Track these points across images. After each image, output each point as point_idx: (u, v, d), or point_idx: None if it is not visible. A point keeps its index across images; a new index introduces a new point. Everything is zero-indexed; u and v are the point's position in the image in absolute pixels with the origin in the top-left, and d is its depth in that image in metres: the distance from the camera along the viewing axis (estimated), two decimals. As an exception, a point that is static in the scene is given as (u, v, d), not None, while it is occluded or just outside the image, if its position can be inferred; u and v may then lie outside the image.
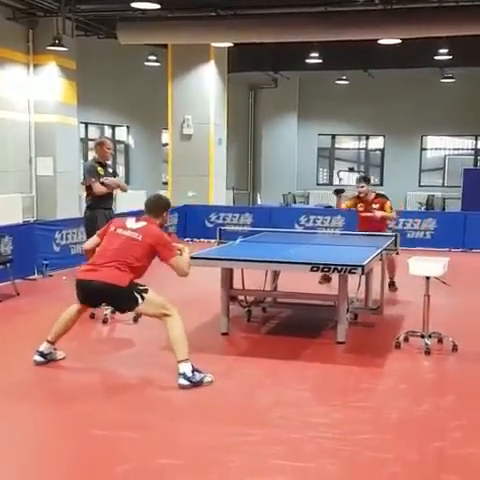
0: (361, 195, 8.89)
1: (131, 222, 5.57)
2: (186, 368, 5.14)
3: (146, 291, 5.36)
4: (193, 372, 5.15)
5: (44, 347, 5.63)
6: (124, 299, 5.36)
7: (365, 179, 9.11)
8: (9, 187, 14.05)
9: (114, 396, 5.08)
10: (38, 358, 5.62)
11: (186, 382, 5.10)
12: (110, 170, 8.21)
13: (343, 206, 9.22)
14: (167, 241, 5.54)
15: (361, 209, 8.89)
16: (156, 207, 5.73)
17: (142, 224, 5.54)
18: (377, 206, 8.80)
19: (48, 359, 5.64)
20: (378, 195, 9.00)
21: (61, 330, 5.63)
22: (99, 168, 7.92)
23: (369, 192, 8.88)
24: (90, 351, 6.21)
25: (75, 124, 15.33)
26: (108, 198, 8.09)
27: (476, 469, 3.92)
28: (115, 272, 5.29)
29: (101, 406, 4.84)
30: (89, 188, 7.94)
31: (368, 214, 8.77)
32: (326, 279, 8.82)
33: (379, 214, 8.72)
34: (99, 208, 7.90)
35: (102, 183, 7.87)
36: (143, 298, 5.32)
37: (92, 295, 5.48)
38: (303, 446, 4.17)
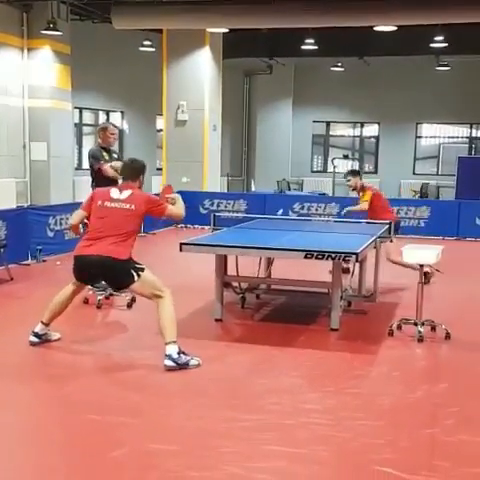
0: (350, 189, 8.88)
1: (116, 192, 5.59)
2: (172, 350, 5.19)
3: (142, 270, 5.41)
4: (179, 354, 5.20)
5: (39, 328, 5.69)
6: (122, 273, 5.37)
7: (352, 172, 8.93)
8: (3, 172, 14.00)
9: (108, 381, 5.09)
10: (33, 339, 5.67)
11: (172, 363, 5.15)
12: (115, 155, 8.12)
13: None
14: (156, 200, 5.73)
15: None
16: (132, 171, 5.78)
17: (128, 192, 5.57)
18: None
19: (43, 339, 5.69)
20: (362, 186, 8.74)
21: (55, 311, 5.67)
22: (104, 153, 7.87)
23: (358, 185, 8.70)
24: (84, 336, 6.21)
25: (69, 109, 15.26)
26: (115, 183, 8.00)
27: (467, 456, 3.95)
28: (114, 246, 5.33)
29: (95, 391, 4.85)
30: (96, 173, 7.86)
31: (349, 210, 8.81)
32: (345, 271, 8.69)
33: (345, 210, 8.81)
34: None
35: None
36: (139, 276, 5.35)
37: (91, 270, 5.48)
38: (296, 432, 4.20)
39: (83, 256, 5.45)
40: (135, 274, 5.35)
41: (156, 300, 5.37)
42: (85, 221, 5.85)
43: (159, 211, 5.69)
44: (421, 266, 6.24)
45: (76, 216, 5.90)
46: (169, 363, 5.16)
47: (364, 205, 8.57)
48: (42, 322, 5.68)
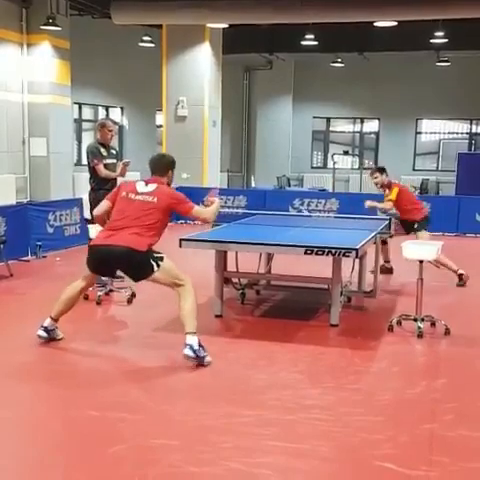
0: (377, 186, 8.69)
1: (141, 185, 5.54)
2: (193, 340, 5.14)
3: (162, 259, 5.34)
4: (200, 346, 5.16)
5: (48, 323, 5.62)
6: (141, 265, 5.28)
7: (378, 170, 8.76)
8: (2, 168, 13.99)
9: (109, 377, 5.09)
10: (42, 333, 5.60)
11: (192, 353, 5.10)
12: (113, 152, 8.12)
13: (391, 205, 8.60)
14: (182, 197, 5.60)
15: None
16: (160, 165, 5.73)
17: (153, 186, 5.51)
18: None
19: (51, 336, 5.63)
20: (389, 183, 8.61)
21: (65, 307, 5.61)
22: (102, 149, 7.87)
23: (385, 182, 8.58)
24: (84, 332, 6.22)
25: (69, 105, 15.24)
26: (112, 180, 8.02)
27: (466, 451, 3.96)
28: (133, 237, 5.24)
29: (96, 387, 4.85)
30: (93, 170, 7.87)
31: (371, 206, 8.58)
32: (387, 271, 8.68)
33: (368, 203, 8.57)
34: (103, 190, 7.80)
35: (105, 165, 7.83)
36: (158, 266, 5.29)
37: (109, 261, 5.37)
38: (296, 428, 4.21)
39: (101, 246, 5.34)
40: (155, 264, 5.27)
41: (177, 289, 5.31)
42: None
43: (184, 209, 5.54)
44: (421, 262, 6.24)
45: (100, 207, 5.81)
46: (189, 353, 5.10)
47: (388, 204, 8.41)
48: (51, 317, 5.61)
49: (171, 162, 5.84)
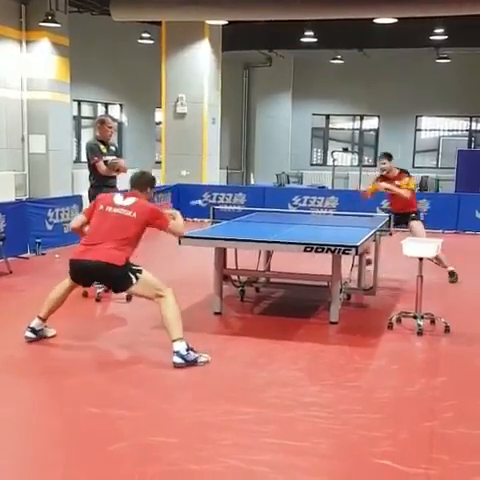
0: (384, 173, 8.54)
1: (119, 198, 5.56)
2: (180, 346, 5.14)
3: (140, 272, 5.35)
4: (188, 351, 5.15)
5: (35, 323, 5.64)
6: (119, 279, 5.34)
7: (387, 155, 8.65)
8: (1, 165, 13.97)
9: (107, 374, 5.09)
10: (29, 334, 5.62)
11: (180, 360, 5.11)
12: (113, 148, 8.09)
13: (368, 194, 8.65)
14: (160, 212, 5.66)
15: None
16: (140, 181, 5.76)
17: (132, 200, 5.53)
18: (399, 183, 8.40)
19: (39, 335, 5.65)
20: (401, 171, 8.55)
21: (53, 306, 5.63)
22: (101, 146, 7.84)
23: (392, 169, 8.51)
24: (83, 329, 6.21)
25: (68, 102, 15.21)
26: (112, 177, 8.00)
27: (466, 449, 3.96)
28: (111, 251, 5.27)
29: (95, 384, 4.85)
30: (93, 167, 7.85)
31: (388, 188, 8.42)
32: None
33: (383, 185, 8.41)
34: (103, 187, 7.77)
35: (105, 162, 7.80)
36: (137, 278, 5.30)
37: (87, 275, 5.47)
38: (295, 425, 4.20)
39: (79, 261, 5.39)
40: (133, 277, 5.29)
41: (158, 300, 5.32)
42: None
43: (161, 224, 5.56)
44: (420, 259, 6.23)
45: (77, 220, 5.88)
46: (178, 360, 5.11)
47: (408, 193, 8.33)
48: (39, 317, 5.63)
49: (151, 180, 5.90)
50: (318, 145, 23.75)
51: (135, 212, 5.43)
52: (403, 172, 8.57)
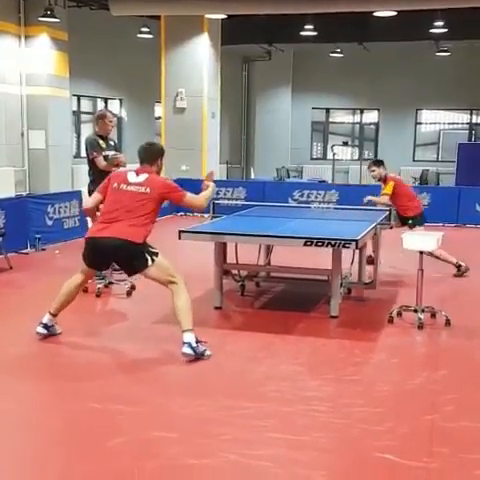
0: (375, 180, 8.59)
1: (132, 176, 5.50)
2: (191, 338, 5.13)
3: (156, 254, 5.33)
4: (197, 343, 5.15)
5: (47, 319, 5.58)
6: (136, 256, 5.27)
7: (375, 162, 8.64)
8: (1, 161, 13.95)
9: (109, 369, 5.08)
10: (41, 330, 5.56)
11: (190, 351, 5.10)
12: (112, 143, 8.07)
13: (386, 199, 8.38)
14: (173, 185, 5.60)
15: None
16: (149, 154, 5.67)
17: (144, 176, 5.47)
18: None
19: (50, 332, 5.60)
20: (386, 175, 8.46)
21: (64, 302, 5.57)
22: (101, 141, 7.81)
23: (382, 175, 8.43)
24: (84, 325, 6.21)
25: (67, 97, 15.18)
26: (111, 172, 7.94)
27: (467, 442, 3.95)
28: (129, 229, 5.23)
29: (96, 379, 4.85)
30: (92, 162, 7.82)
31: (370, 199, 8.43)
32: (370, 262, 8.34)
33: (367, 198, 8.44)
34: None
35: (105, 157, 7.78)
36: (153, 261, 5.28)
37: (104, 254, 5.38)
38: (296, 419, 4.20)
39: (97, 238, 5.32)
40: (149, 258, 5.26)
41: (171, 286, 5.30)
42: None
43: (176, 197, 5.54)
44: (421, 253, 6.22)
45: (91, 199, 5.79)
46: (188, 351, 5.10)
47: (384, 198, 8.27)
48: (50, 313, 5.58)
49: (160, 150, 5.82)
50: (318, 139, 23.72)
51: (149, 187, 5.39)
52: (386, 178, 8.45)
